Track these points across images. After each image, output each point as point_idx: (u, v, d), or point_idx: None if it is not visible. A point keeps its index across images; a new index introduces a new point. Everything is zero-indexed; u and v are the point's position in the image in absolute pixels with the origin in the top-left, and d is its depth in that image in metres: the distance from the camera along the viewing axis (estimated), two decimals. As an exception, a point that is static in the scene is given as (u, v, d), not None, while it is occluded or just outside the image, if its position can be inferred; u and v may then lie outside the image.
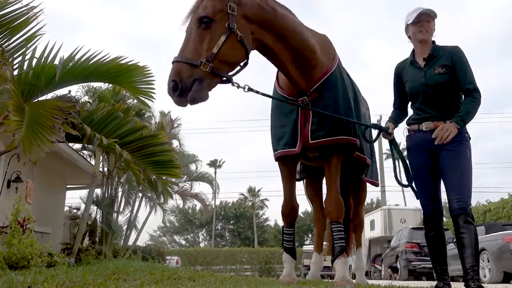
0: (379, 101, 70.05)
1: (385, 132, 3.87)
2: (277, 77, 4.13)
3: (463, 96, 3.63)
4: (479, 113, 3.65)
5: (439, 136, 3.42)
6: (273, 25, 3.46)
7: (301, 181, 5.14)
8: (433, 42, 3.75)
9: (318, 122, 3.78)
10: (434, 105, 3.62)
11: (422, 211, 3.76)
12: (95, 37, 72.40)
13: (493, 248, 9.02)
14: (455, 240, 11.04)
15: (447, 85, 3.58)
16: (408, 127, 3.79)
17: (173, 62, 3.10)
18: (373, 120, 5.34)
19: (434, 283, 3.81)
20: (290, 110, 3.87)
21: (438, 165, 3.59)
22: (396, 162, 4.04)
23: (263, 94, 3.61)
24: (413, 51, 3.82)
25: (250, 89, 3.43)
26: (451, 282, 3.68)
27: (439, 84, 3.58)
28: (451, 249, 10.44)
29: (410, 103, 3.87)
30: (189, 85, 3.04)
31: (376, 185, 5.19)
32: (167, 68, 3.09)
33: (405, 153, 3.90)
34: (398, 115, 3.98)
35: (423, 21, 3.65)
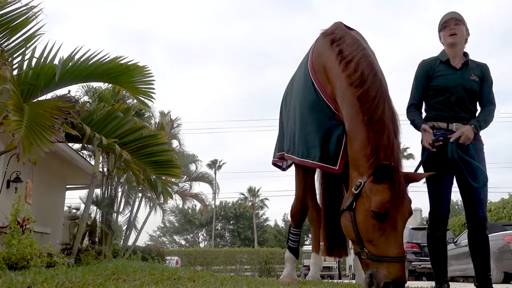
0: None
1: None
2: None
3: (479, 108, 3.77)
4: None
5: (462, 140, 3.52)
6: None
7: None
8: (466, 53, 3.82)
9: None
10: (464, 108, 3.69)
11: (435, 210, 3.63)
12: (77, 28, 70.95)
13: (494, 249, 8.98)
14: (455, 240, 11.07)
15: (477, 94, 3.73)
16: (433, 123, 3.70)
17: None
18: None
19: (434, 283, 3.80)
20: (336, 122, 3.58)
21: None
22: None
23: None
24: (444, 52, 3.83)
25: None
26: (451, 282, 3.71)
27: (473, 90, 3.70)
28: (452, 249, 10.44)
29: (432, 98, 3.77)
30: None
31: None
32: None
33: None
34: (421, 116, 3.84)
35: (450, 25, 3.73)
